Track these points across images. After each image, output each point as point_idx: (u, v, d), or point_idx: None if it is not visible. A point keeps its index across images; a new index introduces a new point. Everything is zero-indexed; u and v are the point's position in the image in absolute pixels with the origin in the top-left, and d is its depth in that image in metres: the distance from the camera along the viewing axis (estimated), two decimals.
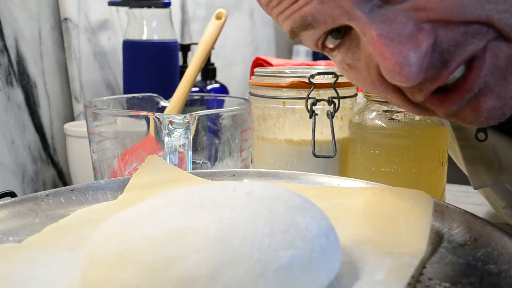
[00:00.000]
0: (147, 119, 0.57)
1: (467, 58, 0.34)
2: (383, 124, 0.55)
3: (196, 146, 0.59)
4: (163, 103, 0.71)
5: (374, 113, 0.56)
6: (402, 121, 0.54)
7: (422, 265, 0.32)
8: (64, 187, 0.46)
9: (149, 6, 0.83)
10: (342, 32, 0.37)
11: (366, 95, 0.57)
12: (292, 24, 0.37)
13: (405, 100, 0.38)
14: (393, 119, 0.55)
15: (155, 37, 0.83)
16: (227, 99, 0.72)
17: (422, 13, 0.33)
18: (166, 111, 0.68)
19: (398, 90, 0.38)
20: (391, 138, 0.55)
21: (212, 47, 0.71)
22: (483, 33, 0.34)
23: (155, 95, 0.71)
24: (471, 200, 0.70)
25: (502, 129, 0.46)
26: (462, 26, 0.33)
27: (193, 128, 0.55)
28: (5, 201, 0.43)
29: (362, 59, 0.37)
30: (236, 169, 0.51)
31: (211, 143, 0.61)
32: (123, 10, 0.97)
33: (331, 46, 0.38)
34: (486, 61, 0.34)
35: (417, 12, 0.33)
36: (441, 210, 0.39)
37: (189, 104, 0.72)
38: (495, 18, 0.33)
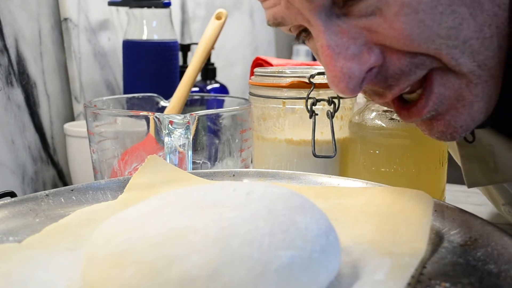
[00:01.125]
0: (147, 119, 0.57)
1: (410, 85, 0.36)
2: (383, 124, 0.55)
3: (196, 146, 0.59)
4: (163, 103, 0.71)
5: (374, 113, 0.56)
6: (402, 121, 0.54)
7: (422, 265, 0.32)
8: (64, 187, 0.46)
9: (149, 6, 0.83)
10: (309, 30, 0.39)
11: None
12: (268, 18, 0.40)
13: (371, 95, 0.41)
14: (393, 119, 0.55)
15: (155, 37, 0.83)
16: (227, 99, 0.72)
17: (373, 35, 0.35)
18: (166, 111, 0.68)
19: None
20: (391, 138, 0.55)
21: (212, 47, 0.71)
22: (426, 64, 0.35)
23: (155, 95, 0.71)
24: (471, 200, 0.70)
25: (500, 129, 0.46)
26: (409, 57, 0.35)
27: (193, 128, 0.55)
28: (5, 201, 0.43)
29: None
30: (236, 169, 0.51)
31: (211, 143, 0.61)
32: (123, 10, 0.97)
33: (302, 37, 0.41)
34: (434, 91, 0.36)
35: (369, 32, 0.35)
36: (441, 210, 0.39)
37: (189, 104, 0.72)
38: (443, 52, 0.34)
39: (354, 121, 0.58)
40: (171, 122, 0.53)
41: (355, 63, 0.35)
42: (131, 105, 0.70)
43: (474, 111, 0.36)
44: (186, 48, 1.01)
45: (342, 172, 0.62)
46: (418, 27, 0.34)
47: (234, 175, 0.50)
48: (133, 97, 0.71)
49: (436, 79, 0.36)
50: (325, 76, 0.37)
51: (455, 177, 0.63)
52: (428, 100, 0.36)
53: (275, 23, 0.40)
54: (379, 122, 0.55)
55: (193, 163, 0.58)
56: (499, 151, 0.47)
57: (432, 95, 0.36)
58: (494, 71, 0.35)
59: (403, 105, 0.39)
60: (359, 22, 0.35)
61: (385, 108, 0.56)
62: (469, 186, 0.49)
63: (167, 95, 0.70)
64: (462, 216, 0.38)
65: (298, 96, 0.62)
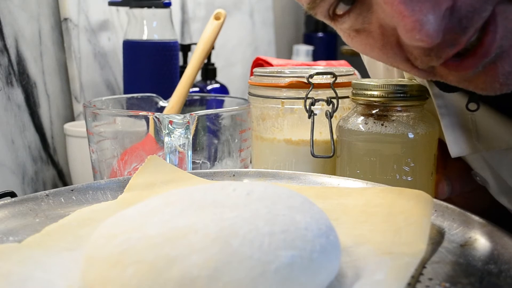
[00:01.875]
0: (146, 119, 0.57)
1: (482, 23, 0.34)
2: (371, 130, 0.53)
3: (195, 146, 0.59)
4: (162, 103, 0.71)
5: (361, 118, 0.55)
6: (393, 127, 0.53)
7: (422, 265, 0.32)
8: (64, 187, 0.46)
9: (149, 6, 0.83)
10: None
11: (353, 99, 0.55)
12: None
13: (412, 67, 0.39)
14: (383, 124, 0.54)
15: (155, 37, 0.84)
16: (226, 99, 0.72)
17: None
18: (165, 111, 0.68)
19: (406, 58, 0.38)
20: (382, 144, 0.53)
21: (211, 47, 0.71)
22: None
23: (154, 95, 0.71)
24: None
25: (482, 98, 0.46)
26: None
27: (192, 128, 0.55)
28: (5, 201, 0.43)
29: (374, 22, 0.37)
30: (236, 169, 0.51)
31: (210, 143, 0.61)
32: (123, 10, 0.97)
33: (341, 12, 0.39)
34: (499, 24, 0.34)
35: None
36: (441, 210, 0.39)
37: (188, 104, 0.72)
38: None
39: (340, 125, 0.57)
40: (171, 122, 0.53)
41: (431, 5, 0.33)
42: (130, 105, 0.70)
43: None
44: (186, 48, 1.02)
45: (340, 172, 0.62)
46: None
47: (234, 175, 0.50)
48: (132, 97, 0.71)
49: (500, 12, 0.34)
50: (402, 27, 0.34)
51: None
52: (495, 34, 0.35)
53: None
54: (366, 127, 0.54)
55: (193, 163, 0.58)
56: (481, 120, 0.48)
57: (498, 28, 0.34)
58: None
59: (459, 59, 0.37)
60: None
61: (373, 112, 0.54)
62: (454, 155, 0.49)
63: (167, 95, 0.70)
64: (462, 216, 0.38)
65: (297, 96, 0.62)
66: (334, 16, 0.40)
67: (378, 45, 0.39)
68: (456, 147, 0.49)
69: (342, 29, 0.40)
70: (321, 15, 0.40)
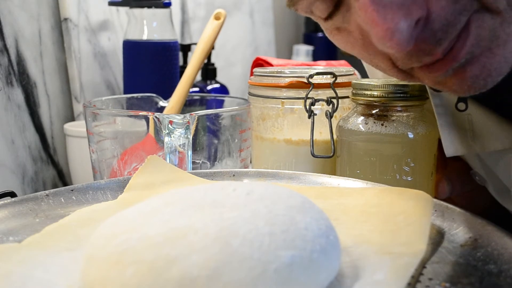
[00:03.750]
0: (146, 119, 0.57)
1: (456, 35, 0.35)
2: (371, 130, 0.53)
3: (195, 146, 0.59)
4: (162, 103, 0.71)
5: (361, 118, 0.55)
6: (393, 127, 0.53)
7: (422, 265, 0.32)
8: (64, 187, 0.46)
9: (149, 6, 0.83)
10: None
11: (353, 99, 0.56)
12: None
13: (392, 66, 0.39)
14: (383, 124, 0.54)
15: (155, 37, 0.84)
16: (226, 99, 0.72)
17: None
18: (165, 111, 0.68)
19: (387, 56, 0.39)
20: (382, 144, 0.53)
21: (211, 47, 0.71)
22: (468, 9, 0.35)
23: (154, 95, 0.71)
24: None
25: (479, 99, 0.47)
26: (451, 4, 0.34)
27: (192, 128, 0.55)
28: (5, 201, 0.43)
29: (353, 23, 0.38)
30: (236, 169, 0.51)
31: (210, 143, 0.61)
32: (123, 10, 0.97)
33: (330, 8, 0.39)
34: (471, 32, 0.35)
35: None
36: (441, 210, 0.39)
37: (188, 104, 0.72)
38: None
39: (340, 125, 0.57)
40: (171, 122, 0.53)
41: (403, 14, 0.34)
42: (130, 105, 0.70)
43: (507, 51, 0.36)
44: (186, 48, 1.02)
45: (340, 172, 0.62)
46: None
47: (234, 175, 0.50)
48: (132, 97, 0.71)
49: (474, 20, 0.35)
50: (373, 34, 0.35)
51: None
52: (465, 41, 0.35)
53: None
54: (367, 127, 0.54)
55: (193, 163, 0.58)
56: (477, 121, 0.48)
57: (470, 36, 0.35)
58: None
59: (430, 63, 0.38)
60: None
61: (373, 112, 0.54)
62: (448, 155, 0.49)
63: (167, 95, 0.70)
64: (462, 216, 0.38)
65: (297, 96, 0.62)
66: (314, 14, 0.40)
67: (358, 44, 0.39)
68: (451, 147, 0.49)
69: (324, 26, 0.41)
70: (302, 11, 0.41)
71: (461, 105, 0.47)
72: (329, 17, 0.39)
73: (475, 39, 0.35)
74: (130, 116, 0.59)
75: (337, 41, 0.41)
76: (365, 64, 0.64)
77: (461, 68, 0.37)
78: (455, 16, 0.35)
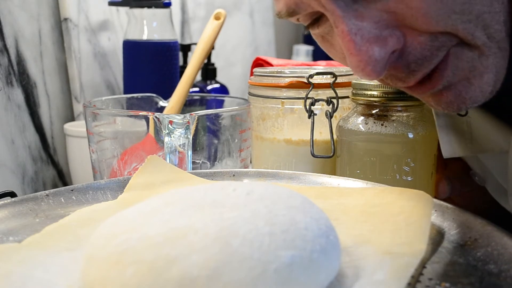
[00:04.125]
0: (146, 119, 0.57)
1: (431, 69, 0.37)
2: (371, 130, 0.54)
3: (195, 146, 0.59)
4: (162, 103, 0.71)
5: (361, 118, 0.55)
6: (393, 127, 0.53)
7: (422, 265, 0.32)
8: (64, 187, 0.46)
9: (149, 6, 0.83)
10: (320, 14, 0.39)
11: (353, 99, 0.56)
12: (279, 9, 0.40)
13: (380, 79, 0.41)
14: (383, 124, 0.54)
15: (155, 37, 0.84)
16: (226, 99, 0.72)
17: (392, 17, 0.35)
18: (165, 111, 0.68)
19: None
20: (382, 144, 0.53)
21: (211, 47, 0.71)
22: (446, 45, 0.36)
23: (154, 95, 0.71)
24: None
25: None
26: (429, 40, 0.36)
27: (192, 128, 0.55)
28: (5, 201, 0.43)
29: (335, 38, 0.39)
30: (236, 169, 0.51)
31: (210, 143, 0.61)
32: (123, 10, 0.97)
33: (309, 22, 0.41)
34: (449, 64, 0.37)
35: (388, 14, 0.35)
36: (441, 210, 0.39)
37: (188, 104, 0.72)
38: (459, 27, 0.35)
39: (340, 125, 0.57)
40: (171, 122, 0.53)
41: (379, 45, 0.35)
42: (130, 105, 0.70)
43: (483, 83, 0.37)
44: (186, 48, 1.02)
45: (340, 172, 0.62)
46: (434, 4, 0.34)
47: (234, 175, 0.50)
48: (132, 97, 0.71)
49: (452, 54, 0.36)
50: (348, 62, 0.37)
51: None
52: (443, 73, 0.37)
53: (288, 11, 0.39)
54: (367, 127, 0.54)
55: (193, 163, 0.58)
56: (475, 123, 0.48)
57: (447, 68, 0.37)
58: (501, 44, 0.36)
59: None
60: (377, 5, 0.35)
61: (373, 112, 0.54)
62: (446, 156, 0.50)
63: (167, 95, 0.70)
64: (462, 216, 0.38)
65: (297, 96, 0.62)
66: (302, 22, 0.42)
67: (339, 56, 0.41)
68: (448, 148, 0.50)
69: (312, 32, 0.42)
70: (292, 21, 0.42)
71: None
72: (316, 25, 0.40)
73: (453, 70, 0.37)
74: (130, 116, 0.59)
75: (322, 46, 0.43)
76: None
77: (438, 92, 0.38)
78: (431, 52, 0.36)
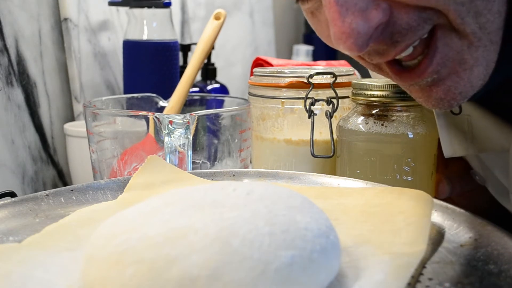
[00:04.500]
0: (146, 119, 0.57)
1: (415, 41, 0.36)
2: (371, 130, 0.53)
3: (195, 146, 0.59)
4: (162, 103, 0.71)
5: (361, 118, 0.55)
6: (393, 127, 0.53)
7: (422, 265, 0.32)
8: (64, 187, 0.46)
9: (149, 6, 0.83)
10: None
11: (353, 99, 0.56)
12: None
13: (359, 58, 0.40)
14: (383, 124, 0.54)
15: (155, 37, 0.83)
16: (226, 99, 0.72)
17: None
18: (165, 111, 0.68)
19: None
20: (382, 144, 0.53)
21: (211, 47, 0.71)
22: (433, 19, 0.35)
23: (154, 95, 0.71)
24: None
25: (478, 100, 0.47)
26: (417, 12, 0.35)
27: (192, 128, 0.55)
28: (5, 201, 0.43)
29: (323, 13, 0.39)
30: (236, 169, 0.51)
31: (210, 143, 0.61)
32: (123, 10, 0.97)
33: None
34: (438, 49, 0.36)
35: None
36: (441, 210, 0.39)
37: (188, 104, 0.72)
38: (451, 8, 0.34)
39: (340, 125, 0.57)
40: (171, 122, 0.53)
41: (364, 19, 0.34)
42: (130, 105, 0.70)
43: (473, 76, 0.36)
44: (186, 48, 1.02)
45: (341, 172, 0.62)
46: None
47: (234, 175, 0.50)
48: (132, 97, 0.71)
49: (441, 37, 0.36)
50: (331, 33, 0.36)
51: None
52: (432, 58, 0.36)
53: None
54: (367, 127, 0.54)
55: (193, 163, 0.58)
56: (476, 122, 0.48)
57: (437, 54, 0.36)
58: (492, 37, 0.35)
59: (402, 69, 0.39)
60: None
61: (373, 112, 0.54)
62: (447, 156, 0.50)
63: (167, 95, 0.70)
64: (462, 216, 0.38)
65: (297, 96, 0.62)
66: None
67: (325, 33, 0.40)
68: (449, 148, 0.49)
69: (303, 7, 0.41)
70: None
71: (455, 109, 0.47)
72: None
73: (441, 58, 0.36)
74: (130, 116, 0.59)
75: (311, 23, 0.42)
76: None
77: (427, 87, 0.38)
78: (418, 23, 0.35)
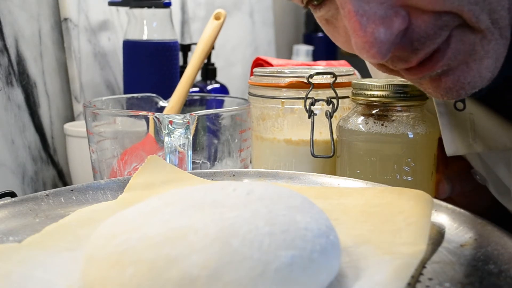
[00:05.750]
0: (146, 119, 0.57)
1: (434, 48, 0.37)
2: (372, 130, 0.53)
3: (195, 146, 0.59)
4: (162, 103, 0.71)
5: (361, 118, 0.55)
6: (393, 127, 0.53)
7: (422, 265, 0.32)
8: (64, 187, 0.46)
9: (149, 6, 0.83)
10: None
11: (353, 99, 0.56)
12: None
13: (379, 65, 0.41)
14: (383, 124, 0.54)
15: (155, 37, 0.83)
16: (226, 99, 0.72)
17: None
18: (165, 111, 0.68)
19: None
20: (382, 144, 0.53)
21: (211, 47, 0.71)
22: (450, 25, 0.36)
23: (154, 95, 0.71)
24: None
25: (481, 98, 0.47)
26: (433, 18, 0.35)
27: (192, 128, 0.55)
28: (5, 201, 0.43)
29: (340, 20, 0.39)
30: (236, 169, 0.51)
31: (210, 143, 0.61)
32: (123, 10, 0.97)
33: (315, 3, 0.40)
34: (451, 45, 0.36)
35: None
36: (441, 210, 0.39)
37: (188, 104, 0.72)
38: (465, 9, 0.35)
39: (340, 125, 0.57)
40: (171, 122, 0.53)
41: (385, 27, 0.35)
42: (130, 105, 0.70)
43: (483, 67, 0.37)
44: (186, 48, 1.02)
45: (341, 172, 0.62)
46: None
47: (234, 175, 0.50)
48: (132, 97, 0.71)
49: (455, 35, 0.36)
50: (353, 43, 0.36)
51: None
52: (444, 54, 0.36)
53: None
54: (367, 127, 0.54)
55: (193, 163, 0.58)
56: (479, 120, 0.48)
57: (449, 50, 0.36)
58: (504, 32, 0.36)
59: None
60: None
61: (373, 112, 0.54)
62: (449, 154, 0.50)
63: (167, 95, 0.70)
64: (462, 216, 0.38)
65: (297, 96, 0.62)
66: (308, 4, 0.41)
67: (342, 40, 0.41)
68: (451, 146, 0.49)
69: (316, 15, 0.42)
70: (296, 2, 0.42)
71: (459, 105, 0.47)
72: (318, 6, 0.40)
73: (453, 53, 0.36)
74: (130, 116, 0.59)
75: (325, 30, 0.42)
76: (368, 64, 0.64)
77: (437, 77, 0.38)
78: (435, 31, 0.36)
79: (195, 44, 0.76)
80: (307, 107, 0.58)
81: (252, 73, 0.68)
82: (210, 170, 0.51)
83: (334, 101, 0.59)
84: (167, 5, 0.84)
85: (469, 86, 0.38)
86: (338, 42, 0.42)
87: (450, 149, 0.50)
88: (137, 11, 0.83)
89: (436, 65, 0.37)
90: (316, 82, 0.60)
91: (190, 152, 0.54)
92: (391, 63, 0.39)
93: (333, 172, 0.60)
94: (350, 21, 0.36)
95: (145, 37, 0.83)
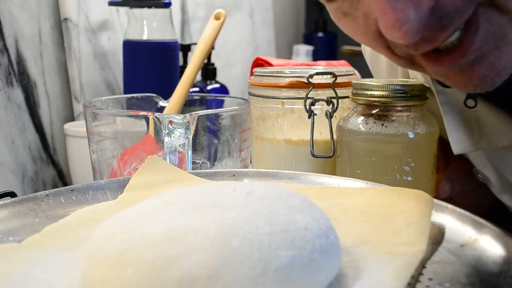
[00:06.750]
0: (146, 119, 0.57)
1: (462, 23, 0.35)
2: (372, 130, 0.53)
3: (195, 146, 0.59)
4: (162, 103, 0.71)
5: (361, 118, 0.55)
6: (393, 127, 0.53)
7: (422, 265, 0.32)
8: (64, 187, 0.46)
9: (149, 6, 0.83)
10: None
11: (353, 99, 0.55)
12: None
13: (392, 54, 0.39)
14: (383, 124, 0.54)
15: (155, 37, 0.84)
16: (226, 99, 0.72)
17: None
18: (165, 111, 0.68)
19: (387, 45, 0.39)
20: (383, 144, 0.53)
21: (211, 47, 0.71)
22: None
23: (154, 95, 0.71)
24: None
25: (485, 95, 0.47)
26: None
27: (192, 128, 0.55)
28: (5, 201, 0.43)
29: (360, 9, 0.38)
30: (236, 169, 0.51)
31: (210, 143, 0.61)
32: (123, 10, 0.97)
33: None
34: (480, 26, 0.35)
35: None
36: (441, 210, 0.39)
37: (188, 104, 0.72)
38: None
39: (340, 125, 0.57)
40: (171, 122, 0.53)
41: (414, 4, 0.34)
42: (130, 105, 0.70)
43: None
44: (186, 48, 1.02)
45: (341, 172, 0.62)
46: None
47: (234, 175, 0.50)
48: (132, 97, 0.71)
49: (482, 14, 0.35)
50: (382, 23, 0.34)
51: None
52: (475, 35, 0.35)
53: None
54: (367, 127, 0.53)
55: (193, 163, 0.58)
56: (484, 118, 0.48)
57: (479, 30, 0.35)
58: None
59: (439, 54, 0.37)
60: None
61: (373, 112, 0.54)
62: (456, 152, 0.49)
63: (167, 95, 0.70)
64: (462, 216, 0.38)
65: (297, 96, 0.62)
66: None
67: (361, 31, 0.39)
68: (458, 144, 0.49)
69: (330, 8, 0.41)
70: None
71: (470, 102, 0.46)
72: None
73: (485, 34, 0.35)
74: (130, 116, 0.59)
75: (342, 24, 0.41)
76: (369, 64, 0.64)
77: (469, 66, 0.36)
78: (464, 4, 0.34)
79: (195, 44, 0.76)
80: (307, 107, 0.58)
81: (252, 73, 0.68)
82: (210, 170, 0.51)
83: (334, 101, 0.58)
84: (167, 5, 0.84)
85: (504, 71, 0.36)
86: (357, 35, 0.40)
87: (457, 148, 0.49)
88: (137, 11, 0.83)
89: (469, 49, 0.35)
90: (316, 82, 0.60)
91: (190, 152, 0.54)
92: (414, 45, 0.37)
93: (333, 172, 0.60)
94: (377, 1, 0.34)
95: (145, 37, 0.83)
